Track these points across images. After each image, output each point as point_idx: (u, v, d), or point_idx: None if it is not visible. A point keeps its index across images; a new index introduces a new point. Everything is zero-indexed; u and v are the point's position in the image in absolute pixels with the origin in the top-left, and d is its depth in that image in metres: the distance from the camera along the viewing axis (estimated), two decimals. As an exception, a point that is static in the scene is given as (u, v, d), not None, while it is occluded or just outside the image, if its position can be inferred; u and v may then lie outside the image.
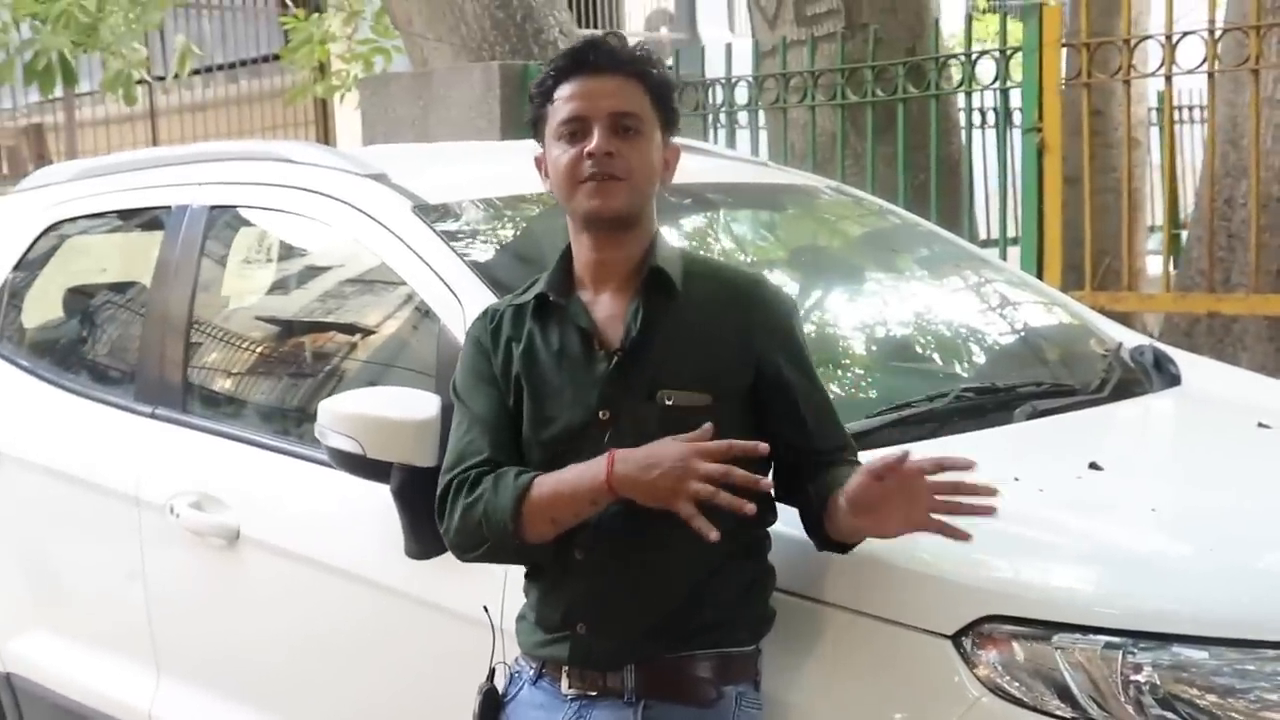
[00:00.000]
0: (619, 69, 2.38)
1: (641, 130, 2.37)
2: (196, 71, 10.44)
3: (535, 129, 2.46)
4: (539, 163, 2.48)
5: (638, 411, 2.35)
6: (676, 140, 2.52)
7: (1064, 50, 5.26)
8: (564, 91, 2.38)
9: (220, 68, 13.90)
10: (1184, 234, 6.60)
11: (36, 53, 8.06)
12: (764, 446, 2.24)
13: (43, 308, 4.43)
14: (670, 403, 2.35)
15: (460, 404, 2.50)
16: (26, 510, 4.00)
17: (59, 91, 9.96)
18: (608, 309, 2.41)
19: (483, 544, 2.39)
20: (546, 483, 2.31)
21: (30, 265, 4.36)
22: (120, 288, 4.38)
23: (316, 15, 9.73)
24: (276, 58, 13.63)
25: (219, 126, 13.82)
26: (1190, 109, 10.69)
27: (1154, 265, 7.49)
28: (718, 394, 2.36)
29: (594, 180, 2.34)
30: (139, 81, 8.91)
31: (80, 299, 4.40)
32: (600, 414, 2.37)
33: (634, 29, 15.46)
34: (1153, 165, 8.20)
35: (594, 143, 2.34)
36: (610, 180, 2.34)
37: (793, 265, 3.72)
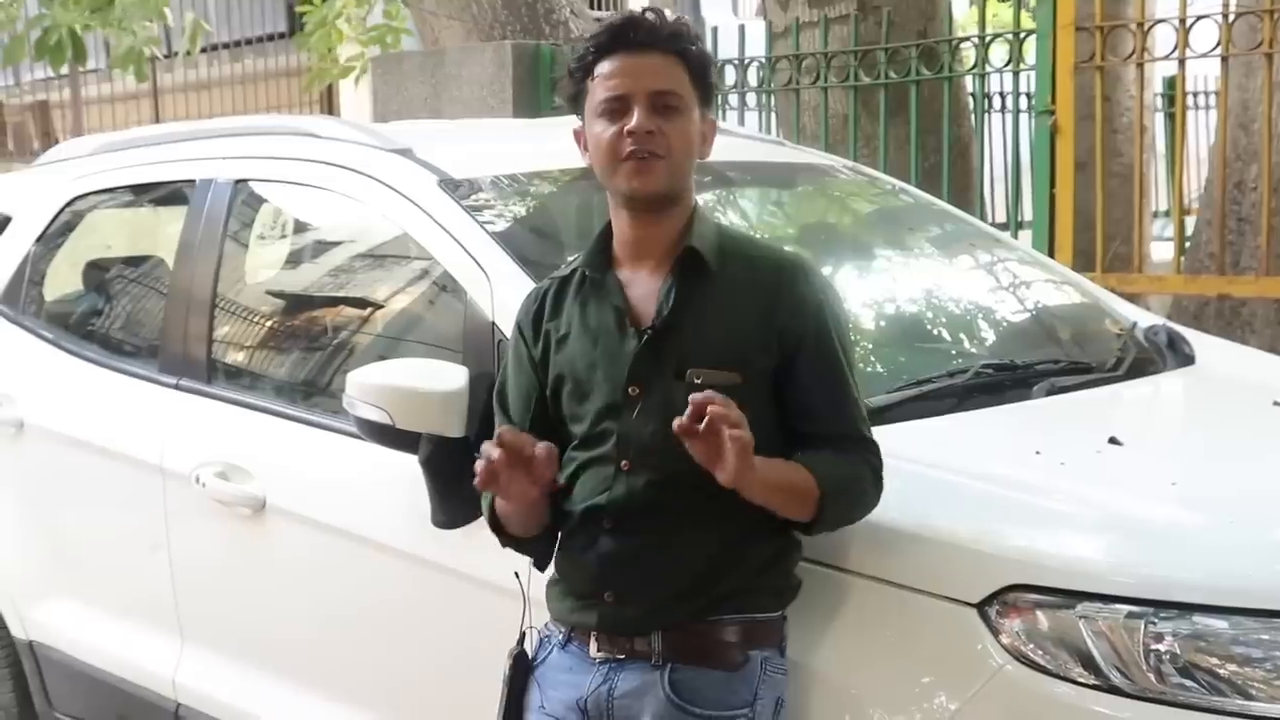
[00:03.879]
0: (659, 46, 2.40)
1: (681, 107, 2.39)
2: (202, 50, 10.44)
3: (575, 103, 2.48)
4: (578, 136, 2.50)
5: (667, 388, 2.39)
6: None
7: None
8: (604, 68, 2.40)
9: (224, 46, 13.89)
10: (1188, 219, 6.64)
11: (47, 29, 8.06)
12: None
13: (63, 281, 4.45)
14: (700, 381, 2.36)
15: (498, 405, 2.60)
16: (50, 479, 4.03)
17: (65, 68, 9.96)
18: (644, 286, 2.44)
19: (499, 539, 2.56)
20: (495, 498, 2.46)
21: (52, 239, 4.39)
22: (141, 261, 4.41)
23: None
24: (281, 36, 13.67)
25: (223, 105, 13.82)
26: (1194, 95, 10.69)
27: (1157, 251, 7.51)
28: (747, 373, 2.38)
29: (634, 159, 2.36)
30: (154, 58, 8.91)
31: (100, 273, 4.43)
32: (630, 390, 2.40)
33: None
34: (1157, 152, 8.22)
35: (634, 121, 2.35)
36: (651, 159, 2.36)
37: (810, 242, 3.74)
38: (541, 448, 2.29)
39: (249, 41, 14.16)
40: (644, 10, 2.47)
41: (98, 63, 12.07)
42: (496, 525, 2.52)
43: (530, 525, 2.47)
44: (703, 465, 2.22)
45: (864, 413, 2.47)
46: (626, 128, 2.36)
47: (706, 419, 2.16)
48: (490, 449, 2.27)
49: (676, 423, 2.18)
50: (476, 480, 2.30)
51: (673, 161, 2.38)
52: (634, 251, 2.46)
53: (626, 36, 2.40)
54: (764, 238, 3.54)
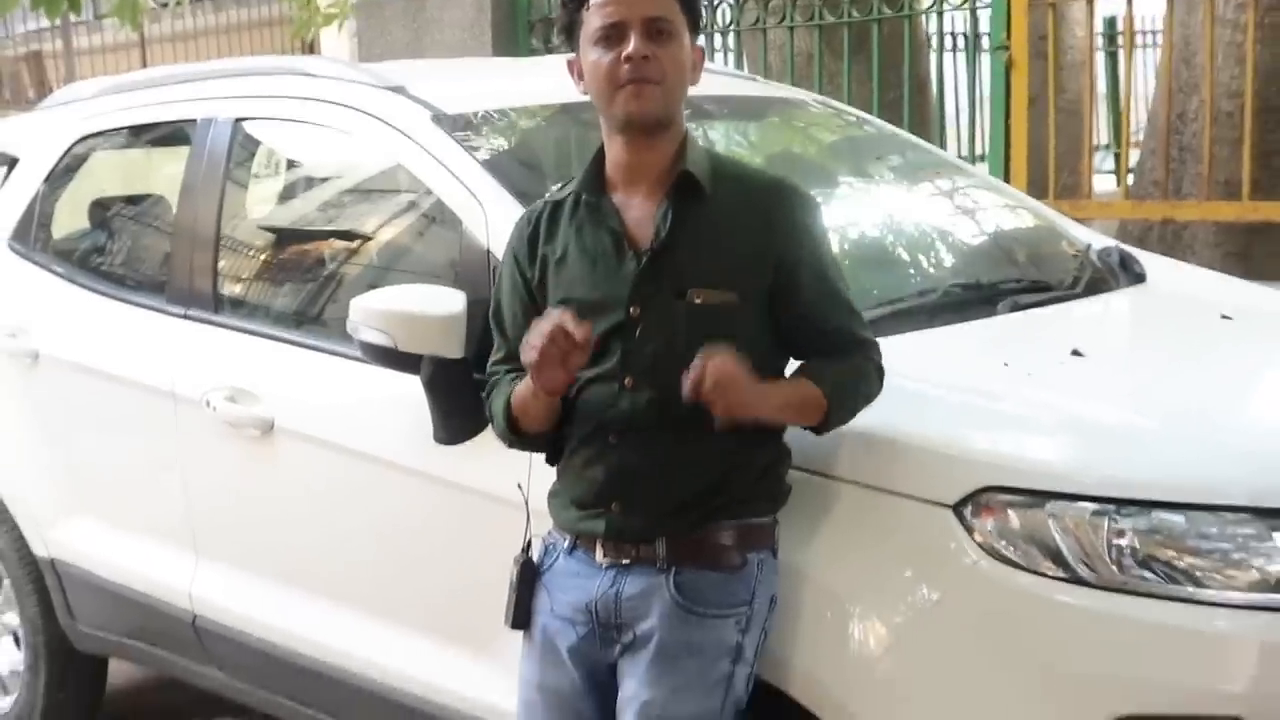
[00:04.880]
0: None
1: (674, 33, 2.37)
2: (179, 2, 10.31)
3: (569, 34, 2.45)
4: (572, 66, 2.47)
5: (666, 309, 2.38)
6: None
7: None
8: None
9: (209, -2, 13.71)
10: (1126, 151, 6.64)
11: (43, -21, 7.94)
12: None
13: (71, 219, 4.41)
14: (699, 301, 2.37)
15: (495, 325, 2.58)
16: (65, 406, 4.01)
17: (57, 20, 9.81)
18: (639, 210, 2.42)
19: (504, 440, 2.54)
20: (515, 394, 2.43)
21: (59, 178, 4.34)
22: (146, 199, 4.37)
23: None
24: (262, -12, 13.50)
25: (207, 54, 13.59)
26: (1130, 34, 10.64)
27: (1097, 183, 7.51)
28: (743, 292, 2.39)
29: (632, 84, 2.33)
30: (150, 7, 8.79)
31: (106, 210, 4.39)
32: (630, 310, 2.39)
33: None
34: (1098, 89, 8.20)
35: (631, 47, 2.33)
36: (647, 84, 2.34)
37: (785, 170, 3.71)
38: (585, 330, 2.26)
39: (231, -7, 13.98)
40: None
41: (89, 14, 11.90)
42: (512, 424, 2.49)
43: (547, 420, 2.45)
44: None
45: (863, 318, 2.49)
46: (624, 53, 2.33)
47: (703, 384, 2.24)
48: (555, 330, 2.23)
49: (685, 395, 2.25)
50: (528, 357, 2.28)
51: (667, 86, 2.36)
52: (628, 176, 2.43)
53: None
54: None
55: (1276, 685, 2.31)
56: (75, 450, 4.03)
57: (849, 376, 2.42)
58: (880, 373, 2.46)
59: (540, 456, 2.59)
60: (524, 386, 2.42)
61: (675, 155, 2.43)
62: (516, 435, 2.51)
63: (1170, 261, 3.87)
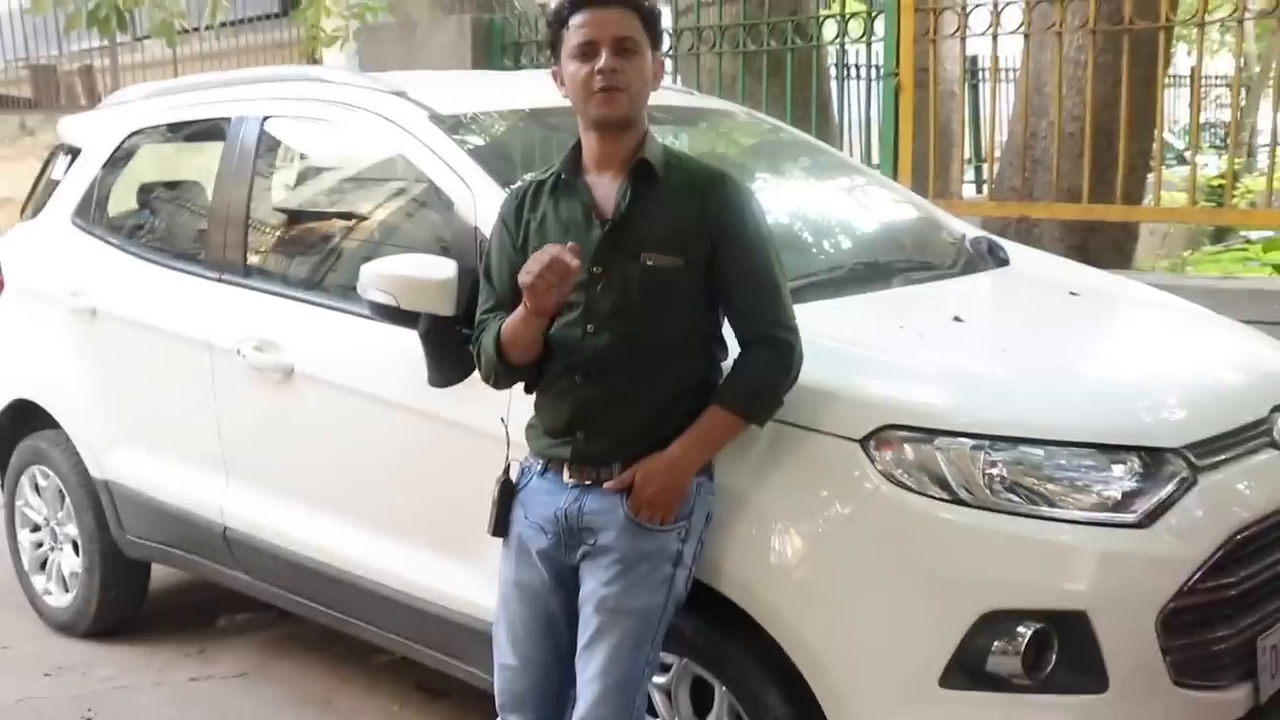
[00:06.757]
0: (619, 2, 2.35)
1: (638, 50, 2.35)
2: (208, 27, 10.11)
3: (553, 50, 2.43)
4: (556, 76, 2.44)
5: (624, 268, 2.36)
6: None
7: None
8: (576, 20, 2.35)
9: (229, 24, 13.44)
10: (986, 166, 6.65)
11: (97, 4, 7.81)
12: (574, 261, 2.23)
13: (123, 199, 4.31)
14: (651, 263, 2.35)
15: (485, 280, 2.53)
16: (118, 354, 3.92)
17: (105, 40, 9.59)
18: (606, 189, 2.40)
19: (491, 371, 2.46)
20: (505, 326, 2.37)
21: (114, 165, 4.24)
22: (186, 183, 4.27)
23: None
24: (275, 16, 13.27)
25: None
26: (985, 70, 10.63)
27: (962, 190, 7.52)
28: (686, 258, 2.36)
29: (603, 91, 2.32)
30: (181, 31, 8.64)
31: (153, 192, 4.29)
32: (594, 269, 2.36)
33: None
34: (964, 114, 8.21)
35: (602, 61, 2.31)
36: (615, 91, 2.32)
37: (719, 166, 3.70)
38: (577, 265, 2.24)
39: (248, 20, 13.74)
40: None
41: (132, 35, 11.68)
42: (500, 353, 2.41)
43: (531, 350, 2.39)
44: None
45: (785, 300, 2.42)
46: (596, 67, 2.31)
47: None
48: (563, 260, 2.20)
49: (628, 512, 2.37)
50: (527, 281, 2.23)
51: (632, 93, 2.34)
52: (599, 163, 2.42)
53: None
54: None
55: (1112, 586, 2.34)
56: (126, 390, 3.94)
57: (759, 386, 2.38)
58: (790, 355, 2.38)
59: (517, 397, 2.56)
60: (514, 317, 2.36)
61: (637, 146, 2.41)
62: (503, 364, 2.41)
63: (1028, 249, 3.87)
